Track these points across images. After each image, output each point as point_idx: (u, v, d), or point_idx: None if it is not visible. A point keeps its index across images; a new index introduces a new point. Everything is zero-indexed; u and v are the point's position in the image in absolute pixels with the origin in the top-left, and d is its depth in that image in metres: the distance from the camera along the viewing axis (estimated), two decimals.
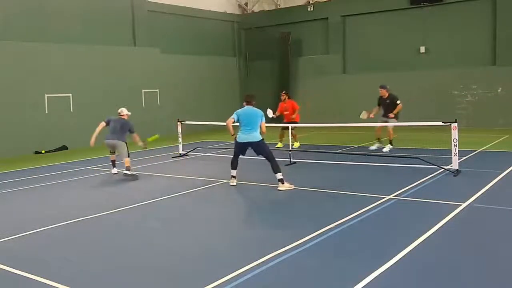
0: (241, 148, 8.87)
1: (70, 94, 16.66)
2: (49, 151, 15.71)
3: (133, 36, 19.21)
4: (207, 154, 13.90)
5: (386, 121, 12.58)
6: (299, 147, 13.86)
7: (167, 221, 7.09)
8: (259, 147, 8.72)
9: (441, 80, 18.98)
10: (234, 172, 9.04)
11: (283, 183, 8.47)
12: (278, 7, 23.90)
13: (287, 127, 13.77)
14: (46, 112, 15.99)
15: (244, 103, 9.05)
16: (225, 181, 9.51)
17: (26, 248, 5.97)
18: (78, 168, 12.11)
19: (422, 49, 19.63)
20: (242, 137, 8.74)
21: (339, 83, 21.48)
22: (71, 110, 16.71)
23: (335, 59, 21.72)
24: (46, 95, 15.96)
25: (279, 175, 8.49)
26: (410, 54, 19.94)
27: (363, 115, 12.81)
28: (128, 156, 10.50)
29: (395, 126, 12.59)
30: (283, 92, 14.51)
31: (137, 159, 13.06)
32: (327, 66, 21.83)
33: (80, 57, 16.93)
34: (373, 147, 13.00)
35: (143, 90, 19.17)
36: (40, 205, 8.41)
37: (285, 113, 14.02)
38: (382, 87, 12.90)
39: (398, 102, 12.50)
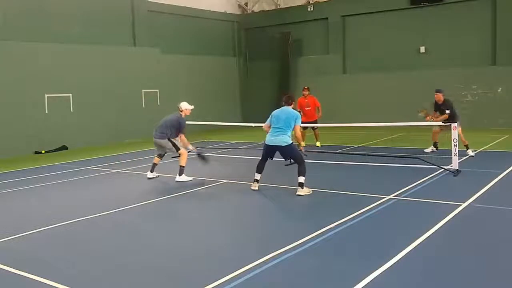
0: (268, 151, 8.35)
1: (70, 94, 16.66)
2: (49, 151, 15.71)
3: (133, 36, 19.22)
4: (207, 154, 13.87)
5: (441, 128, 11.69)
6: (320, 146, 13.77)
7: (167, 221, 7.10)
8: (287, 152, 8.21)
9: (441, 80, 18.93)
10: (258, 176, 8.49)
11: (302, 188, 8.06)
12: (278, 7, 23.89)
13: (306, 127, 13.82)
14: (46, 112, 15.99)
15: (283, 103, 8.52)
16: (225, 181, 9.52)
17: (26, 248, 5.97)
18: (78, 168, 12.10)
19: (422, 49, 19.63)
20: (269, 140, 8.24)
21: (339, 83, 21.48)
22: (71, 110, 16.71)
23: (335, 59, 21.73)
24: (46, 95, 15.96)
25: (301, 179, 8.05)
26: (410, 54, 19.94)
27: (422, 112, 11.61)
28: (178, 150, 9.70)
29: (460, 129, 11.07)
30: (306, 87, 14.40)
31: (138, 158, 13.08)
32: (327, 66, 21.83)
33: (80, 57, 16.94)
34: (428, 150, 12.18)
35: (143, 90, 19.17)
36: (40, 205, 8.41)
37: (307, 108, 13.88)
38: (438, 91, 11.75)
39: (447, 111, 11.16)
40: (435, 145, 12.19)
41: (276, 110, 8.46)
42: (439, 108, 11.66)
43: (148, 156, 13.39)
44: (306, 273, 4.74)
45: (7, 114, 14.96)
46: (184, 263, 5.23)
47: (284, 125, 8.14)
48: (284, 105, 8.44)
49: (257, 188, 8.45)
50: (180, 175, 9.71)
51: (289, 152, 8.18)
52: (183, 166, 9.72)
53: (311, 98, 14.10)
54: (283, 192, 8.39)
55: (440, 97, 11.65)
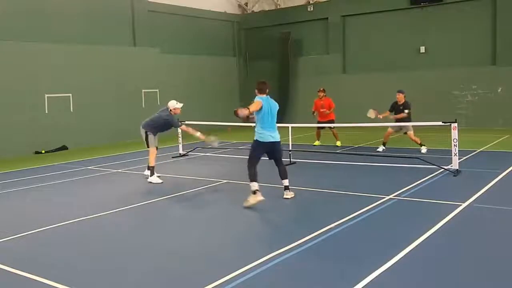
0: (264, 150, 7.39)
1: (70, 94, 16.66)
2: (49, 151, 15.71)
3: (133, 36, 19.22)
4: (207, 154, 13.90)
5: (401, 128, 12.36)
6: (340, 146, 13.97)
7: (167, 221, 7.10)
8: (279, 148, 7.47)
9: (441, 80, 18.97)
10: (256, 185, 7.25)
11: (289, 190, 7.78)
12: (278, 7, 23.90)
13: (323, 127, 14.09)
14: (46, 112, 15.99)
15: (258, 92, 7.34)
16: (225, 181, 9.52)
17: (26, 248, 5.97)
18: (78, 168, 12.11)
19: (422, 49, 19.63)
20: (267, 136, 7.22)
21: (339, 83, 21.45)
22: (71, 110, 16.71)
23: (335, 59, 21.73)
24: (46, 95, 15.96)
25: (287, 182, 7.68)
26: (410, 54, 19.94)
27: (371, 113, 12.39)
28: (156, 148, 9.69)
29: (413, 127, 12.25)
30: (322, 89, 14.53)
31: (137, 159, 13.07)
32: (327, 66, 21.83)
33: (80, 57, 16.94)
34: (379, 149, 12.80)
35: (143, 90, 19.18)
36: (40, 205, 8.41)
37: (321, 110, 14.12)
38: (401, 91, 12.35)
39: (406, 111, 12.07)
40: (384, 144, 12.83)
41: (263, 100, 7.24)
42: (397, 108, 12.36)
43: (148, 156, 13.38)
44: (306, 273, 4.74)
45: (7, 114, 14.96)
46: (184, 263, 5.23)
47: (275, 120, 7.39)
48: (263, 95, 7.33)
49: (262, 198, 7.29)
50: (151, 175, 9.67)
51: (279, 150, 7.50)
52: (153, 166, 9.67)
53: (327, 99, 14.28)
54: (283, 192, 8.37)
55: (401, 97, 12.31)
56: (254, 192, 7.23)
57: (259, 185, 7.42)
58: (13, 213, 7.89)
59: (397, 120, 12.27)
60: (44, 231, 6.55)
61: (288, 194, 7.79)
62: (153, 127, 9.82)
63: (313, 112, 14.31)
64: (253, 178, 7.27)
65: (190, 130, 9.83)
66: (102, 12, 18.04)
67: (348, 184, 8.94)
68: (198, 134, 9.70)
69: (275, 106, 7.41)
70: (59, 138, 16.24)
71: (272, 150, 7.42)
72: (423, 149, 12.10)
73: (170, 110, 9.81)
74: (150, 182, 9.63)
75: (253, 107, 7.05)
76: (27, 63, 15.50)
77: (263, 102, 7.15)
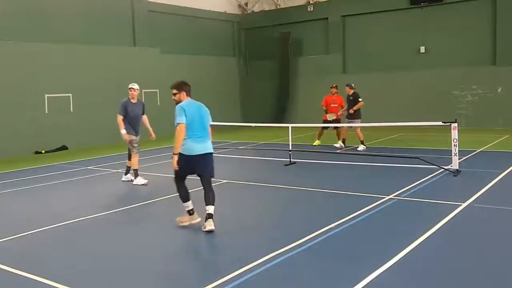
0: (192, 165, 6.09)
1: (70, 94, 16.66)
2: (49, 151, 15.71)
3: (133, 36, 19.22)
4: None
5: (350, 122, 13.30)
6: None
7: (167, 221, 7.08)
8: (210, 161, 6.22)
9: (441, 80, 18.97)
10: (191, 204, 6.37)
11: (212, 220, 6.08)
12: (278, 7, 23.90)
13: (327, 127, 14.23)
14: (46, 112, 15.99)
15: (184, 94, 6.39)
16: (224, 181, 9.51)
17: (26, 248, 5.97)
18: (78, 168, 12.11)
19: (422, 49, 19.64)
20: (197, 148, 6.01)
21: (339, 83, 21.38)
22: (71, 110, 16.72)
23: (335, 59, 21.72)
24: (46, 95, 15.96)
25: (212, 209, 6.13)
26: (410, 54, 19.94)
27: (331, 116, 13.94)
28: (131, 155, 9.65)
29: (361, 127, 13.25)
30: (334, 85, 14.69)
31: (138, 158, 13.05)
32: (327, 66, 21.82)
33: (80, 57, 16.94)
34: (337, 145, 13.60)
35: (143, 90, 19.16)
36: (40, 205, 8.41)
37: (333, 105, 14.28)
38: (348, 85, 13.79)
39: (360, 99, 13.33)
40: (343, 141, 13.76)
41: (188, 105, 6.19)
42: (347, 99, 13.69)
43: (148, 156, 13.40)
44: (306, 273, 4.73)
45: (7, 114, 14.96)
46: (184, 263, 5.23)
47: (208, 127, 6.28)
48: (187, 97, 6.43)
49: (199, 220, 6.39)
50: (125, 174, 9.96)
51: (211, 163, 6.30)
52: (136, 169, 9.77)
53: (338, 97, 14.42)
54: (283, 192, 8.38)
55: (349, 89, 13.71)
56: (190, 213, 6.40)
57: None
58: (13, 213, 7.88)
59: (348, 114, 13.41)
60: (44, 231, 6.55)
61: (209, 226, 6.04)
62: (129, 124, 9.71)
63: (326, 110, 14.35)
64: (185, 199, 6.35)
65: (121, 124, 9.71)
66: (102, 12, 18.04)
67: (348, 184, 8.94)
68: (123, 131, 9.61)
69: (204, 111, 6.31)
70: (59, 138, 16.24)
71: (201, 164, 6.14)
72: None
73: (135, 93, 9.80)
74: (136, 184, 9.62)
75: (180, 136, 5.94)
76: (27, 63, 15.50)
77: (186, 109, 6.05)
